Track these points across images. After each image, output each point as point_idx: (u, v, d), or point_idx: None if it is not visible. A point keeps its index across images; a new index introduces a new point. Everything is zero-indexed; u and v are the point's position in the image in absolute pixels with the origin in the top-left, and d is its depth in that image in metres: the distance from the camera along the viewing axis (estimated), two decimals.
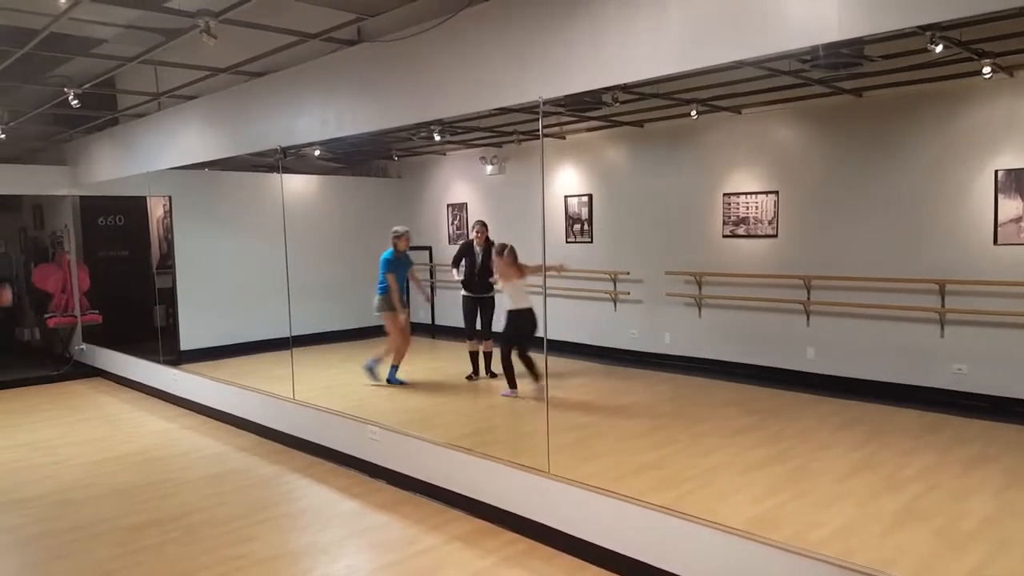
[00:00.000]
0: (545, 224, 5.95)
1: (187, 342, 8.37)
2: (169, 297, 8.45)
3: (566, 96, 3.99)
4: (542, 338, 5.10)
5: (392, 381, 6.75)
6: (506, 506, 3.91)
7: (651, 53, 3.30)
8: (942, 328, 5.89)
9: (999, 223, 5.56)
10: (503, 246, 6.11)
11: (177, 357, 8.09)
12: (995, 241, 5.59)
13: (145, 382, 7.67)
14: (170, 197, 8.32)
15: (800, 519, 3.61)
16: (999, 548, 3.26)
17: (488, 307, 6.82)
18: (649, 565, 3.25)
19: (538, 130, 7.30)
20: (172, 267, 8.41)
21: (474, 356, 6.90)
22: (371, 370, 6.86)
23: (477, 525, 3.97)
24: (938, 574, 2.97)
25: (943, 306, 5.84)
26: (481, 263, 6.71)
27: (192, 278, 8.42)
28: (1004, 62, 5.08)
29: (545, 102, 3.82)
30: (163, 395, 7.31)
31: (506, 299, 6.15)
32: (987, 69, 5.02)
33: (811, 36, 2.94)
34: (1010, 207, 5.51)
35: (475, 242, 6.81)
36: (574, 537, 3.56)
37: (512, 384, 6.16)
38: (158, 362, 7.57)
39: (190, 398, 6.86)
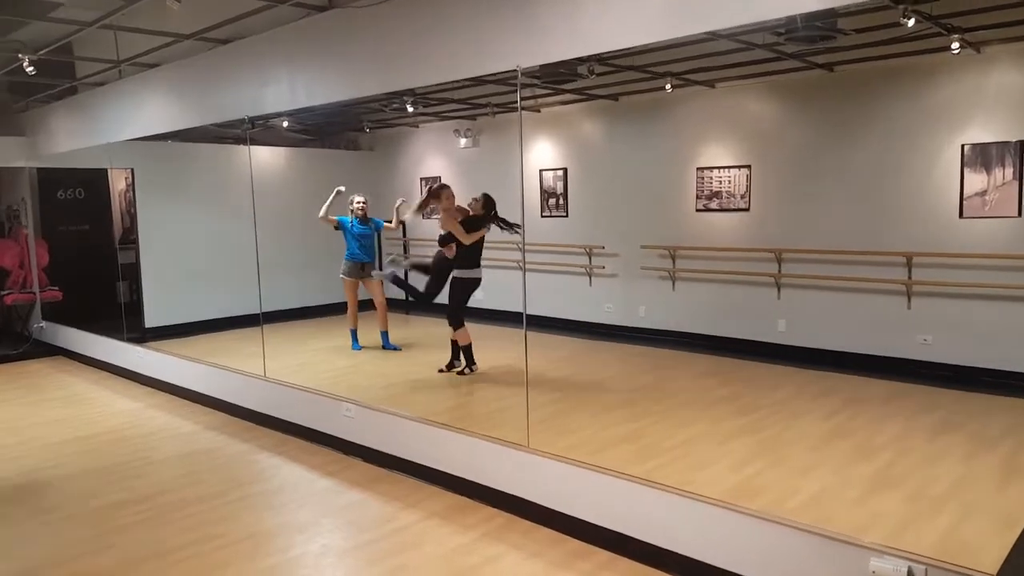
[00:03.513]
0: (523, 198, 5.87)
1: (152, 319, 8.16)
2: (132, 273, 8.21)
3: (542, 67, 3.92)
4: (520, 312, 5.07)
5: (387, 347, 7.02)
6: (485, 481, 3.91)
7: (630, 22, 3.25)
8: (909, 300, 6.02)
9: (964, 197, 5.67)
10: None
11: (141, 335, 7.90)
12: (960, 214, 5.71)
13: (109, 361, 7.47)
14: (132, 170, 8.05)
15: (777, 487, 3.67)
16: (967, 511, 3.36)
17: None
18: (629, 537, 3.28)
19: (512, 102, 7.24)
20: (135, 242, 8.17)
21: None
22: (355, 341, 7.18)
23: (455, 501, 3.96)
24: (911, 538, 3.04)
25: (910, 278, 5.96)
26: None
27: (157, 253, 8.19)
28: (972, 38, 5.14)
29: (523, 72, 3.74)
30: (128, 374, 7.13)
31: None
32: (955, 45, 5.08)
33: (790, 5, 2.92)
34: (975, 181, 5.62)
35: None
36: (553, 510, 3.58)
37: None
38: (122, 340, 7.37)
39: (156, 376, 6.70)
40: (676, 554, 3.12)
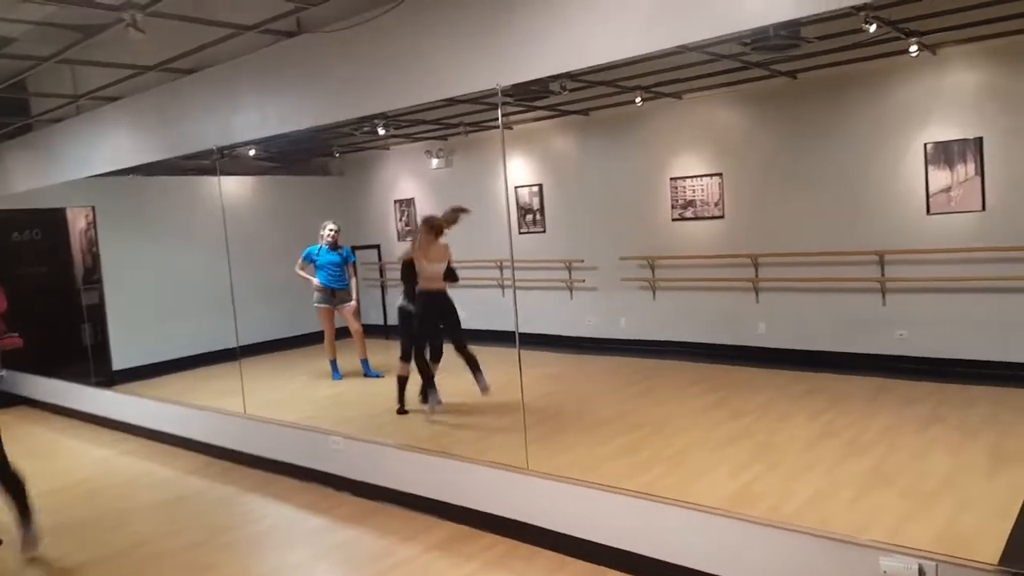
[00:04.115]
0: (506, 215, 5.82)
1: (120, 361, 7.85)
2: (98, 314, 7.93)
3: (514, 85, 3.90)
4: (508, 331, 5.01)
5: (368, 374, 6.90)
6: (484, 507, 3.81)
7: (611, 36, 3.25)
8: (883, 297, 6.13)
9: (930, 194, 5.82)
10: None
11: (110, 378, 7.61)
12: (928, 211, 5.85)
13: (76, 407, 7.17)
14: (93, 207, 7.80)
15: (775, 492, 3.66)
16: (961, 503, 3.39)
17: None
18: (638, 555, 3.21)
19: (484, 120, 7.25)
20: (99, 282, 7.89)
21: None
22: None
23: (453, 531, 3.85)
24: (911, 535, 3.05)
25: (883, 275, 6.08)
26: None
27: (122, 292, 7.91)
28: (928, 40, 5.30)
29: (502, 91, 3.72)
30: (98, 420, 6.83)
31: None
32: (913, 48, 5.23)
33: (765, 16, 2.95)
34: (940, 178, 5.77)
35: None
36: (556, 533, 3.50)
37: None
38: (89, 384, 7.09)
39: (128, 421, 6.44)
40: (688, 569, 3.06)
